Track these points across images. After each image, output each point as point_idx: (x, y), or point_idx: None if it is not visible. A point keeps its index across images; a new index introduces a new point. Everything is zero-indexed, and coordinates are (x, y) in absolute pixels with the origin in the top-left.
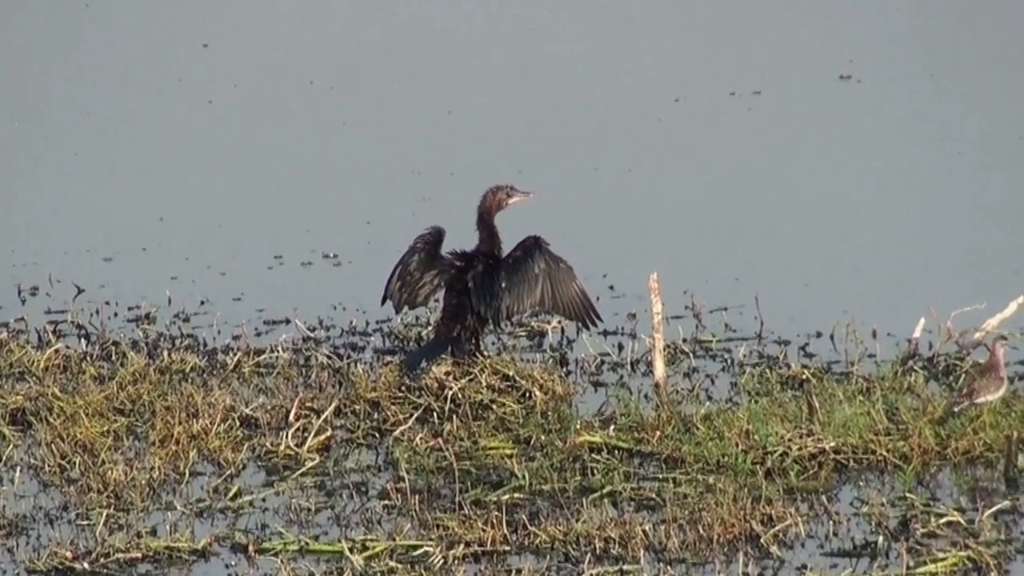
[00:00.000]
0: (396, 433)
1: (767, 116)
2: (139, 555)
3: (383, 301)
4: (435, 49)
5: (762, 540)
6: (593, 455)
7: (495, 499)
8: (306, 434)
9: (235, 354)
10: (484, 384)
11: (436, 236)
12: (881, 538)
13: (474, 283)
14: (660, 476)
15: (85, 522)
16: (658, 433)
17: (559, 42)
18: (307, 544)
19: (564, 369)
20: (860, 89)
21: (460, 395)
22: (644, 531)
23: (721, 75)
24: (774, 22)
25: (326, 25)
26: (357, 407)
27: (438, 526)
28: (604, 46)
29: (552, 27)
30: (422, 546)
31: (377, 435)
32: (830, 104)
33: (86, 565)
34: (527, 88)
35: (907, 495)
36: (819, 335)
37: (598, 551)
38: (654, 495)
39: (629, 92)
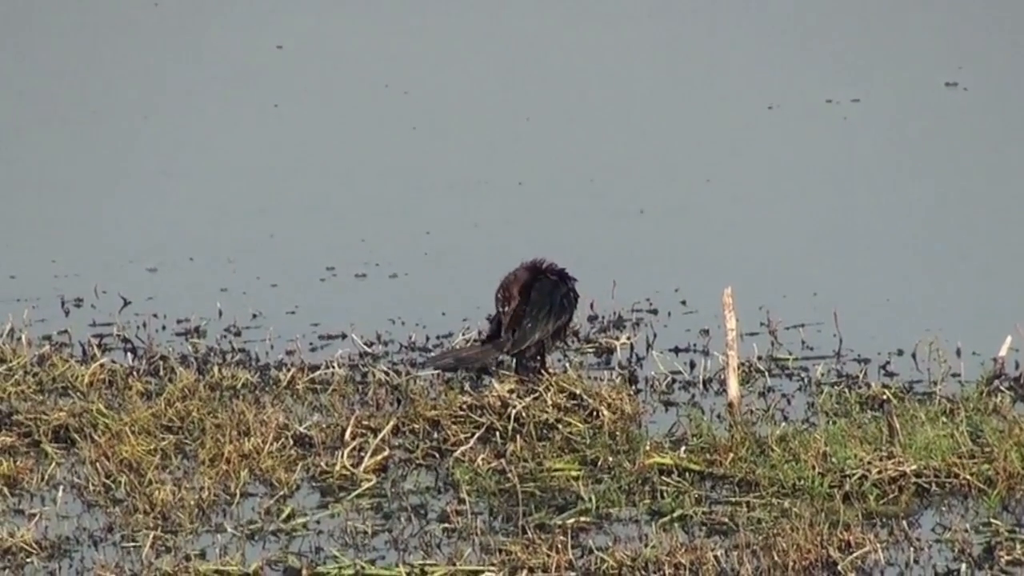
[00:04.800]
0: (457, 453)
1: (864, 125)
2: None
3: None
4: (517, 55)
5: (839, 567)
6: (663, 478)
7: (560, 523)
8: (363, 454)
9: (289, 370)
10: (550, 403)
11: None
12: (964, 566)
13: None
14: (733, 500)
15: (131, 544)
16: (731, 455)
17: (647, 47)
18: (363, 568)
19: (633, 387)
20: (967, 97)
21: (524, 414)
22: (716, 557)
23: (819, 82)
24: (878, 26)
25: (407, 28)
26: (416, 426)
27: (500, 551)
28: (695, 51)
29: (641, 32)
30: (484, 571)
31: (437, 455)
32: (934, 113)
33: None
34: (609, 95)
35: (992, 521)
36: (900, 353)
37: None
38: (727, 519)
39: (719, 99)
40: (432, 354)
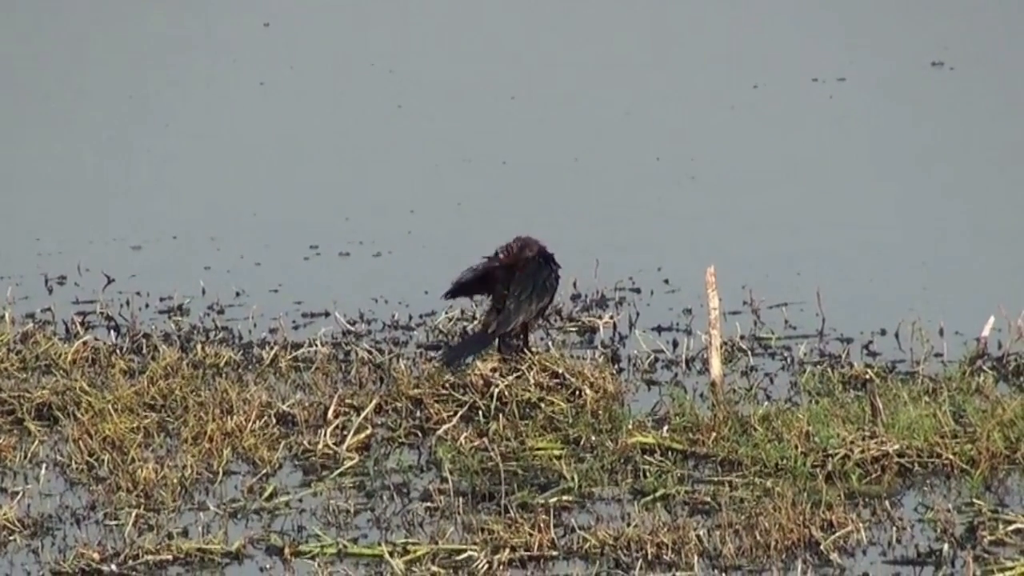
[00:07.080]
0: (439, 432)
1: (849, 104)
2: (169, 557)
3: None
4: (503, 34)
5: (822, 547)
6: (646, 457)
7: (543, 502)
8: (345, 432)
9: (272, 348)
10: (532, 382)
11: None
12: (946, 546)
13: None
14: (716, 479)
15: (113, 522)
16: (714, 434)
17: (633, 26)
18: (345, 547)
19: (616, 366)
20: (953, 76)
21: (507, 393)
22: (698, 536)
23: (805, 60)
24: (865, 5)
25: (393, 7)
26: (399, 404)
27: (483, 530)
28: (681, 31)
29: (626, 11)
30: (466, 550)
31: (419, 434)
32: (919, 92)
33: (114, 567)
34: (594, 75)
35: (974, 501)
36: (883, 333)
37: (650, 557)
38: (709, 499)
39: (704, 78)
40: (441, 349)
